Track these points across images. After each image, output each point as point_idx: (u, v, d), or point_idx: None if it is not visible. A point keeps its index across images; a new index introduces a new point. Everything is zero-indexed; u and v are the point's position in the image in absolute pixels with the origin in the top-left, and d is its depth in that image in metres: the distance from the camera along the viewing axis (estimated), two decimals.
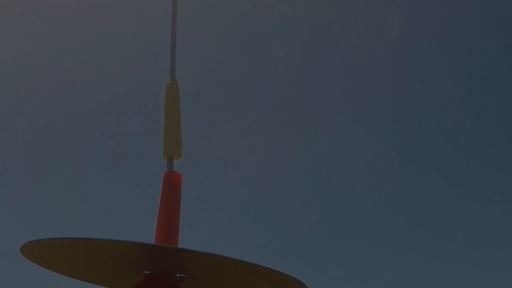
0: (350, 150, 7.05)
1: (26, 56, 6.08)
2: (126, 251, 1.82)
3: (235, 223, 6.96)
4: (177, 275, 1.89)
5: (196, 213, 5.64)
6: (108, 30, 5.51)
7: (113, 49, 5.72)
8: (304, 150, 6.94)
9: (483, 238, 7.09)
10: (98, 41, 5.70)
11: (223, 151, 6.33)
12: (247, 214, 7.07)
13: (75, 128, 6.41)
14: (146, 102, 5.22)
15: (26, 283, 5.41)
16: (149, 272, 1.88)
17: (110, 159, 6.50)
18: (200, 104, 5.15)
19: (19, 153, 6.31)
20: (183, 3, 2.28)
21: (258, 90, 6.57)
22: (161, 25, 2.32)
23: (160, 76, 2.19)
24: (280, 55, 6.41)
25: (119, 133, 6.41)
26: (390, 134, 7.11)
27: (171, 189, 2.04)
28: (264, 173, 6.86)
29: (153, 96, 2.27)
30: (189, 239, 2.02)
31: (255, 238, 6.93)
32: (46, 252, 1.87)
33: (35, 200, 6.46)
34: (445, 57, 6.97)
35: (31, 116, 6.27)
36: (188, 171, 2.08)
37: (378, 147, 7.00)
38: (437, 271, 6.91)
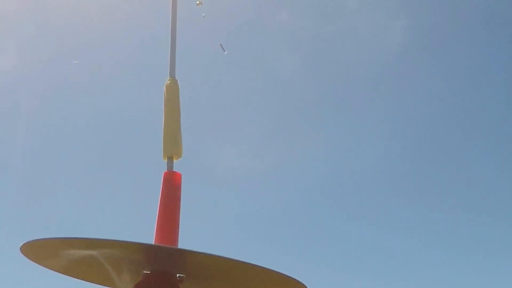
0: (351, 154, 7.05)
1: (27, 56, 6.08)
2: (126, 251, 1.82)
3: (235, 223, 6.95)
4: (177, 275, 1.89)
5: (196, 213, 5.64)
6: (109, 30, 5.51)
7: (113, 49, 5.72)
8: (304, 151, 6.93)
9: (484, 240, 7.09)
10: (98, 42, 5.70)
11: (223, 152, 6.33)
12: (247, 214, 7.07)
13: (75, 128, 6.41)
14: (146, 102, 5.22)
15: (26, 283, 5.41)
16: (149, 272, 1.88)
17: (110, 159, 6.50)
18: (200, 104, 5.15)
19: (20, 153, 6.31)
20: (183, 4, 2.28)
21: (258, 92, 6.57)
22: (161, 25, 2.32)
23: (160, 76, 2.19)
24: (281, 61, 6.42)
25: (119, 133, 6.41)
26: (392, 141, 7.11)
27: (171, 189, 2.04)
28: (264, 173, 6.85)
29: (153, 96, 2.27)
30: (189, 239, 2.02)
31: (255, 239, 6.92)
32: (46, 252, 1.87)
33: (35, 200, 6.46)
34: (447, 62, 6.98)
35: (30, 116, 6.27)
36: (188, 171, 2.08)
37: (381, 153, 7.00)
38: (437, 272, 6.90)
